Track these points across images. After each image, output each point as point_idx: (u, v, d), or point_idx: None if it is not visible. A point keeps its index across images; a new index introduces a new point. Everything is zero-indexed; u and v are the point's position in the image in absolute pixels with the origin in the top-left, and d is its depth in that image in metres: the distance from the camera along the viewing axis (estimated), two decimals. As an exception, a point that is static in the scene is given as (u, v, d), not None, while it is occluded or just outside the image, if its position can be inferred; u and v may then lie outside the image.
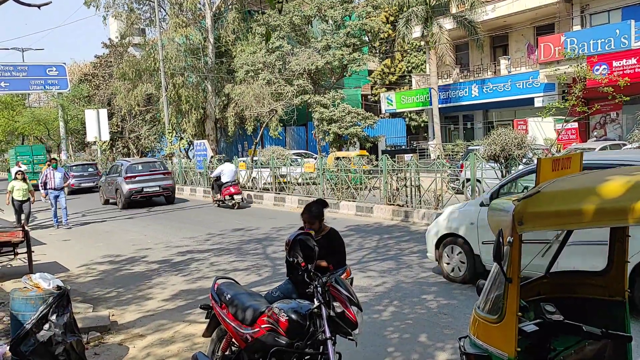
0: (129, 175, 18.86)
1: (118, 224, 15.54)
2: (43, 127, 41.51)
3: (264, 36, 30.09)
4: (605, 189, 2.27)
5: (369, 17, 29.22)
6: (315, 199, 5.52)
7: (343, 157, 19.18)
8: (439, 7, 26.89)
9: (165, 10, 33.32)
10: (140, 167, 19.47)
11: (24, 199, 14.38)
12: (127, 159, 26.65)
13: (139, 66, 31.20)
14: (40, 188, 15.18)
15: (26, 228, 13.85)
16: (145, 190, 18.85)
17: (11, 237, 9.09)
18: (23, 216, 14.46)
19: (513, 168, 11.90)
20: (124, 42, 35.71)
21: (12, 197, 14.29)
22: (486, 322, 2.85)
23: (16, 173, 14.87)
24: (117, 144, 39.46)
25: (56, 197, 14.99)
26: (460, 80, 29.05)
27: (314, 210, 4.83)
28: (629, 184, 2.20)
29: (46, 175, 15.05)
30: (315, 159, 21.31)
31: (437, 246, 7.79)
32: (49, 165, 15.89)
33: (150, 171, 19.37)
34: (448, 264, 7.63)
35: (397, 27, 27.61)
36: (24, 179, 14.60)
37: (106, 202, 20.80)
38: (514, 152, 11.74)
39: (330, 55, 28.41)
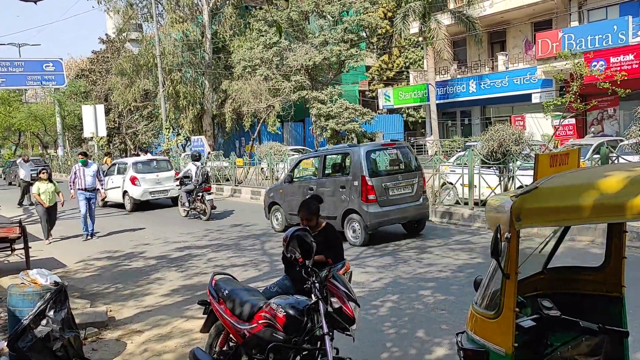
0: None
1: (115, 220, 15.51)
2: (40, 123, 41.41)
3: (261, 32, 30.04)
4: (604, 185, 2.26)
5: (367, 12, 29.18)
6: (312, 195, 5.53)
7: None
8: (437, 3, 26.86)
9: (162, 5, 33.22)
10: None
11: (50, 204, 11.88)
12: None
13: (136, 61, 31.11)
14: (69, 187, 12.99)
15: (56, 237, 12.14)
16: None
17: (8, 233, 9.08)
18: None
19: (511, 164, 11.91)
20: (121, 38, 35.59)
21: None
22: (483, 318, 2.86)
23: (40, 172, 12.24)
24: (115, 140, 39.38)
25: (87, 199, 12.37)
26: (458, 76, 29.03)
27: (311, 207, 4.87)
28: (627, 180, 2.20)
29: (75, 173, 12.51)
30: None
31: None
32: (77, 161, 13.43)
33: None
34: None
35: (395, 23, 27.57)
36: (49, 179, 12.06)
37: (10, 183, 29.27)
38: (511, 148, 11.74)
39: (327, 51, 28.36)
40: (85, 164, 12.57)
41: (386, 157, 11.66)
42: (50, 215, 11.98)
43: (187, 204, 14.91)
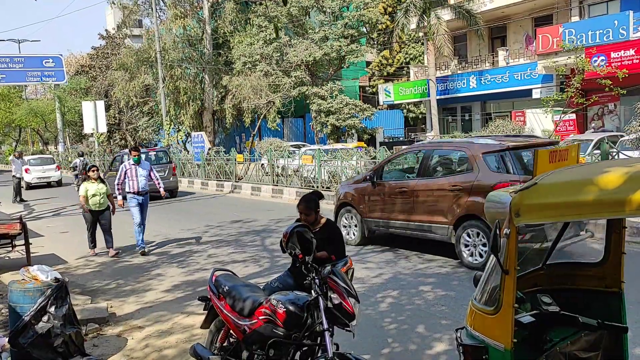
0: None
1: (115, 216, 15.49)
2: (40, 119, 41.41)
3: (261, 28, 29.98)
4: (603, 181, 2.26)
5: (367, 8, 29.10)
6: (312, 190, 5.53)
7: (341, 149, 19.18)
8: (437, -2, 26.76)
9: (163, 0, 33.18)
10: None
11: (100, 208, 9.92)
12: None
13: (137, 56, 31.09)
14: (116, 192, 10.36)
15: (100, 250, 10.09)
16: None
17: (9, 229, 9.07)
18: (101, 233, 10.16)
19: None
20: (122, 33, 35.56)
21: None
22: (483, 314, 2.86)
23: (89, 169, 10.15)
24: (115, 136, 39.38)
25: (140, 205, 10.14)
26: (458, 72, 28.96)
27: (310, 202, 4.80)
28: (627, 176, 2.20)
29: (125, 173, 10.14)
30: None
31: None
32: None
33: None
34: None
35: (396, 18, 27.50)
36: (100, 179, 10.05)
37: None
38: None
39: (328, 47, 28.30)
40: (138, 162, 10.26)
41: (151, 156, 19.09)
42: (101, 220, 10.04)
43: (76, 188, 19.95)
